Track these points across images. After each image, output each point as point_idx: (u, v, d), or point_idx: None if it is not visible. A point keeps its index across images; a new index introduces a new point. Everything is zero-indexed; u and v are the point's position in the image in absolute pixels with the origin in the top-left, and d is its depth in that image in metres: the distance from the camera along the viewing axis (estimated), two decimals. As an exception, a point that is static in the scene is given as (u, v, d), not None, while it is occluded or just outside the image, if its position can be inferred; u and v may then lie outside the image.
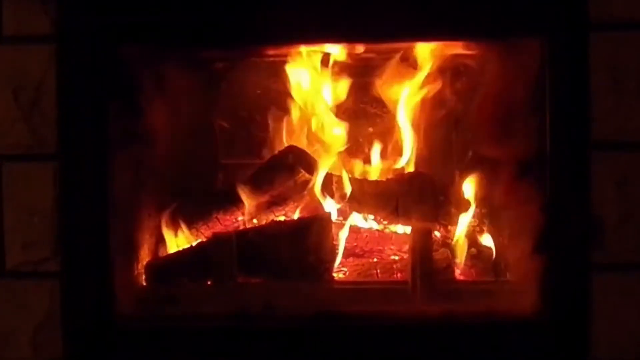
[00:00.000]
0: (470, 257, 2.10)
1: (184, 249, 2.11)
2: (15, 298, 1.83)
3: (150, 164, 2.08)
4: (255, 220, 2.15)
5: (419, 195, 2.11)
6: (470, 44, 2.02)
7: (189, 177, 2.27)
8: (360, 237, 2.14)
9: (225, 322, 1.87)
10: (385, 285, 2.00)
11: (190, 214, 2.17)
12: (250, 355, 1.83)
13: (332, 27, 1.83)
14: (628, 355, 1.80)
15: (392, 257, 2.12)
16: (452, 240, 2.10)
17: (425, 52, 2.09)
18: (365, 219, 2.18)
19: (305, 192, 2.13)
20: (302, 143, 2.22)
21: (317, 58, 2.16)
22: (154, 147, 2.07)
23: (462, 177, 2.17)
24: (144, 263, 2.07)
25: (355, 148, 2.29)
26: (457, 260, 2.07)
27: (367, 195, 2.14)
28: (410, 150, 2.21)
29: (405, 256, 2.05)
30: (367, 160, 2.29)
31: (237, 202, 2.13)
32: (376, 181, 2.21)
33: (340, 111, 2.25)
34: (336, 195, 2.14)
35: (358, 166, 2.26)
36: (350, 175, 2.17)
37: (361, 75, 2.23)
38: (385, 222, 2.16)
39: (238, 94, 2.33)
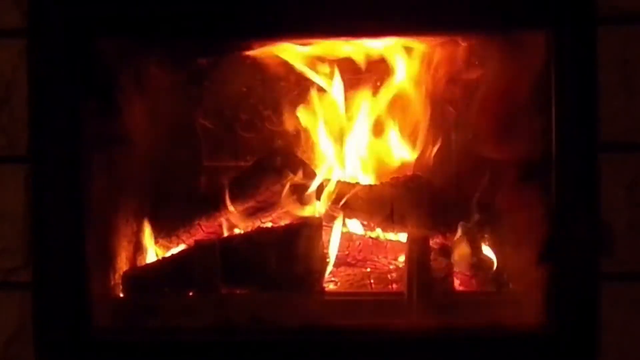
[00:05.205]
0: (471, 266, 2.06)
1: (164, 258, 2.08)
2: (-16, 310, 1.81)
3: (129, 166, 2.04)
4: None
5: (416, 200, 2.08)
6: (471, 38, 2.01)
7: (170, 180, 2.25)
8: (352, 245, 2.10)
9: (208, 336, 1.83)
10: (380, 297, 1.95)
11: (171, 220, 2.14)
12: (235, 371, 1.81)
13: (326, 21, 1.79)
14: (640, 371, 1.78)
15: (387, 266, 2.09)
16: (451, 248, 2.07)
17: (423, 47, 2.09)
18: (359, 226, 2.15)
19: (294, 197, 2.10)
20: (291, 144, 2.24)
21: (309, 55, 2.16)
22: (133, 149, 2.04)
23: (462, 181, 2.16)
24: (122, 272, 2.02)
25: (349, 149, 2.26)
26: (457, 270, 2.03)
27: (360, 200, 2.11)
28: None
29: (401, 265, 2.02)
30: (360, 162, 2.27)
31: (221, 207, 2.12)
32: (370, 185, 2.18)
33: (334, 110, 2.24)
34: (327, 200, 2.10)
35: (351, 169, 2.24)
36: (342, 179, 2.15)
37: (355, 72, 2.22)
38: (379, 229, 2.13)
39: (222, 92, 2.30)
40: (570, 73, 1.74)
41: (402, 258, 2.02)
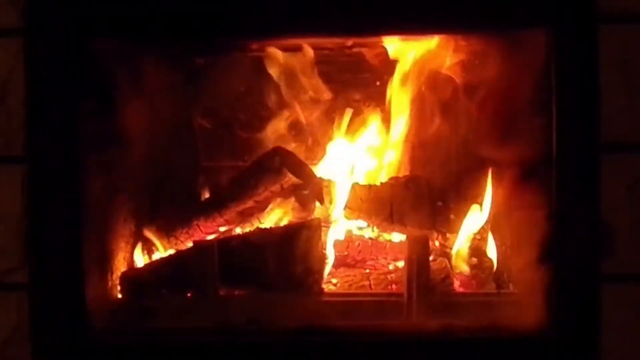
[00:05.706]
0: (471, 267, 2.04)
1: (162, 259, 2.07)
2: (-20, 311, 1.79)
3: (126, 166, 2.04)
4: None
5: (415, 200, 2.07)
6: (471, 36, 2.00)
7: (167, 180, 2.24)
8: (352, 246, 2.09)
9: (206, 338, 1.81)
10: (379, 298, 1.93)
11: (169, 221, 2.13)
12: (232, 374, 1.79)
13: (324, 19, 1.77)
14: (641, 373, 1.76)
15: (387, 267, 2.08)
16: (450, 249, 2.06)
17: (423, 46, 2.08)
18: (358, 226, 2.14)
19: (293, 197, 2.10)
20: (289, 144, 2.22)
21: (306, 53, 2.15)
22: (130, 149, 2.03)
23: (462, 181, 2.15)
24: (119, 274, 2.02)
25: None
26: (457, 271, 2.03)
27: (359, 201, 2.09)
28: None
29: (401, 266, 2.00)
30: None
31: (219, 207, 2.11)
32: (369, 185, 2.15)
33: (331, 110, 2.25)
34: (326, 200, 2.10)
35: (350, 169, 2.23)
36: (341, 179, 2.14)
37: (352, 71, 2.24)
38: (379, 230, 2.12)
39: (220, 92, 2.30)
40: (571, 72, 1.73)
41: (401, 259, 2.00)
